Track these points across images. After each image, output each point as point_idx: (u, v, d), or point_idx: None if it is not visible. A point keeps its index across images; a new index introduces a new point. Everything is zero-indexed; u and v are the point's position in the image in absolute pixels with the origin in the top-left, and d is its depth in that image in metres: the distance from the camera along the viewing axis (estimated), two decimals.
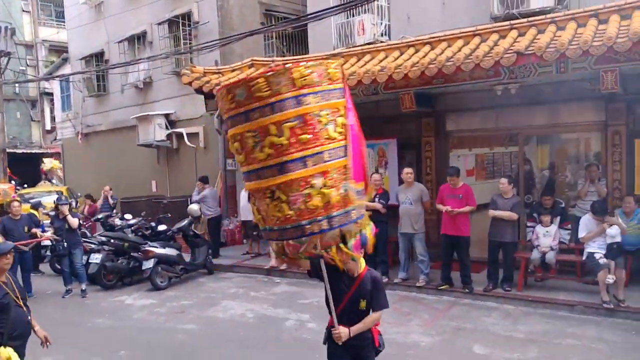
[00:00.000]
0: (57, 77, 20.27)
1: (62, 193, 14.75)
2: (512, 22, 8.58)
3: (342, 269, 3.56)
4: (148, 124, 15.23)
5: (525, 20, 8.47)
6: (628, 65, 7.26)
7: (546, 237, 8.15)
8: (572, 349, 6.17)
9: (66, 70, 20.52)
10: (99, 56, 18.22)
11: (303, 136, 3.12)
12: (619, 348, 6.16)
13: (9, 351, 4.03)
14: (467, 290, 8.32)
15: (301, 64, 3.15)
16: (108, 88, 18.21)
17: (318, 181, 3.16)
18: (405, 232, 8.84)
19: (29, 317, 4.36)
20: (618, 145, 8.49)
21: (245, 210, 11.86)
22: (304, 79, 3.12)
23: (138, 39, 16.32)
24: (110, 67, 16.38)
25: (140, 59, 14.83)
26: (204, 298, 9.20)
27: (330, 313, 3.69)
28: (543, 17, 8.37)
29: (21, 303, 4.26)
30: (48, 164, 18.47)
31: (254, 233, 11.91)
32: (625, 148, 8.45)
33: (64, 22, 22.90)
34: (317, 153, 3.15)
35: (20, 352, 4.19)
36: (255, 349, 6.65)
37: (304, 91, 3.12)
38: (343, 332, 3.65)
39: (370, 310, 3.78)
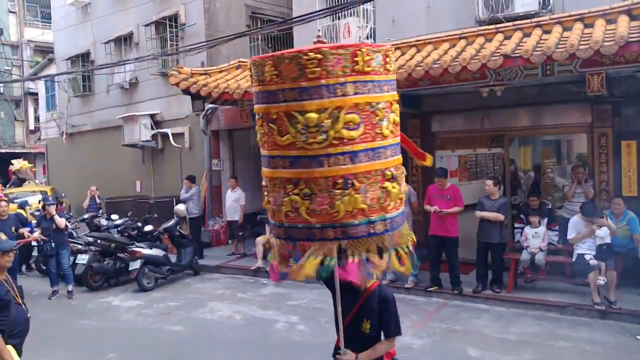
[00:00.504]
0: (42, 77, 20.09)
1: (46, 193, 14.57)
2: (498, 25, 8.60)
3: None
4: (133, 124, 15.09)
5: (510, 24, 8.49)
6: (614, 68, 7.35)
7: (535, 238, 8.17)
8: (566, 351, 6.19)
9: (51, 70, 20.37)
10: (84, 57, 18.06)
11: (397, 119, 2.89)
12: (613, 350, 6.17)
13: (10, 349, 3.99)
14: (456, 291, 8.33)
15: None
16: (93, 88, 18.05)
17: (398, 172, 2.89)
18: None
19: (28, 315, 4.32)
20: (605, 146, 8.58)
21: (232, 210, 11.84)
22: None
23: (124, 40, 16.20)
24: (97, 68, 16.21)
25: (128, 60, 14.71)
26: (191, 299, 9.13)
27: (337, 331, 3.25)
28: (528, 20, 8.40)
29: (20, 301, 4.23)
30: (17, 164, 18.28)
31: (240, 233, 11.89)
32: (611, 149, 8.54)
33: (49, 23, 22.72)
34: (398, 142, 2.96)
35: (19, 349, 4.13)
36: (245, 351, 6.59)
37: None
38: (347, 358, 3.22)
39: (381, 336, 3.31)
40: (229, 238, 12.87)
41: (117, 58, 16.13)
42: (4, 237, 5.28)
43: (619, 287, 7.54)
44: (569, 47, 6.88)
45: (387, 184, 2.75)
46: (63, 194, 15.93)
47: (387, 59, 2.77)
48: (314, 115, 2.62)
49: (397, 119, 2.84)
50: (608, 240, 7.39)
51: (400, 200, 2.84)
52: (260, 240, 10.59)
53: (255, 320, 7.86)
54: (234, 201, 11.79)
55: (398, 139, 2.87)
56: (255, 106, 2.84)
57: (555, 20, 8.00)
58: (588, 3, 8.03)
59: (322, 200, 2.71)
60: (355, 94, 2.64)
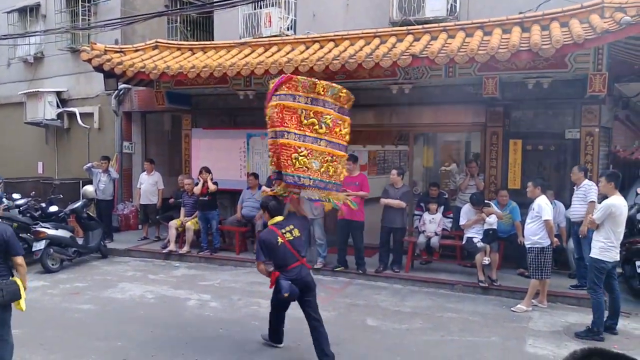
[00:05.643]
0: None
1: None
2: (409, 27, 9.28)
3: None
4: (37, 101, 14.38)
5: (420, 26, 9.21)
6: (506, 73, 8.30)
7: (432, 223, 9.02)
8: (452, 321, 6.98)
9: None
10: None
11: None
12: (491, 319, 7.05)
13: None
14: (360, 271, 8.97)
15: None
16: None
17: None
18: None
19: None
20: (495, 144, 9.54)
21: (148, 194, 11.66)
22: None
23: (30, 11, 15.33)
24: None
25: (35, 32, 13.99)
26: (100, 280, 9.04)
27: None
28: (436, 25, 9.16)
29: None
30: None
31: (157, 217, 11.77)
32: (501, 147, 9.51)
33: None
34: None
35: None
36: (157, 327, 6.71)
37: None
38: None
39: None
40: (140, 222, 12.67)
41: (20, 29, 15.29)
42: None
43: (500, 269, 8.56)
44: (469, 52, 7.63)
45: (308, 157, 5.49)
46: None
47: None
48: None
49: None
50: (494, 226, 8.34)
51: (318, 173, 5.63)
52: (173, 224, 10.65)
53: (167, 299, 7.98)
54: (151, 185, 11.69)
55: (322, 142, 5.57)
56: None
57: (460, 27, 8.78)
58: (489, 12, 8.92)
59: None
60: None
